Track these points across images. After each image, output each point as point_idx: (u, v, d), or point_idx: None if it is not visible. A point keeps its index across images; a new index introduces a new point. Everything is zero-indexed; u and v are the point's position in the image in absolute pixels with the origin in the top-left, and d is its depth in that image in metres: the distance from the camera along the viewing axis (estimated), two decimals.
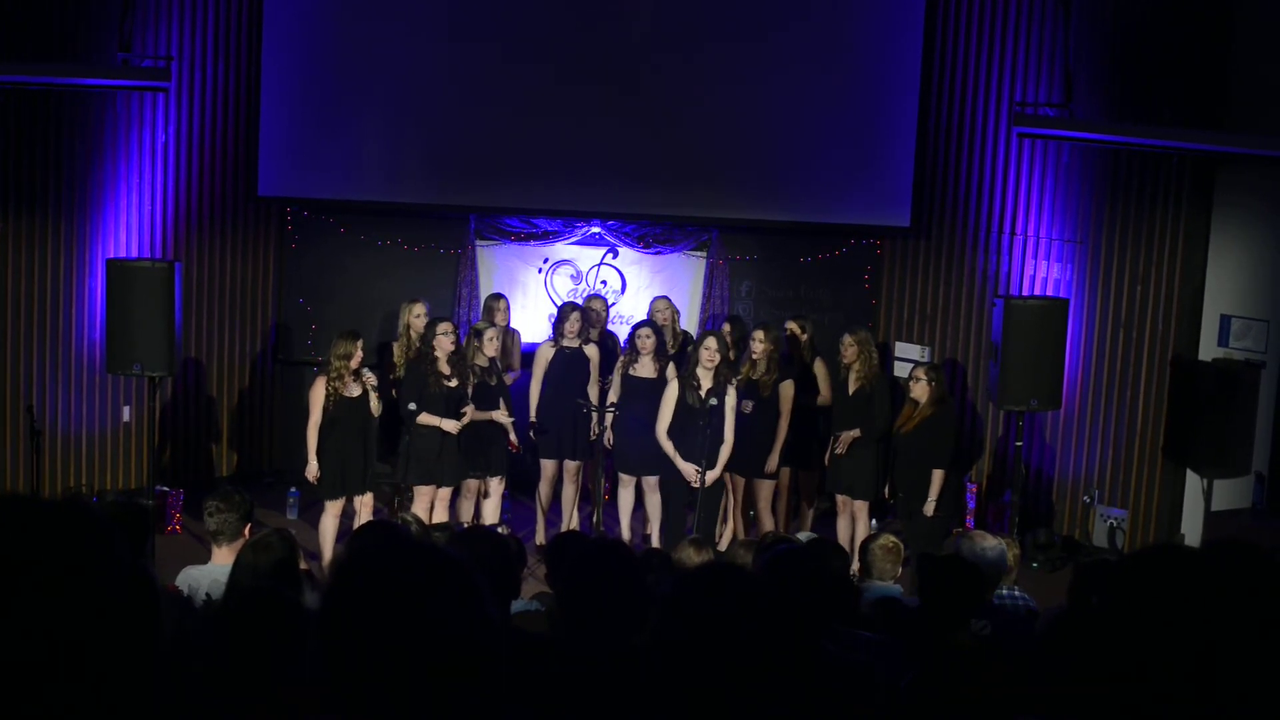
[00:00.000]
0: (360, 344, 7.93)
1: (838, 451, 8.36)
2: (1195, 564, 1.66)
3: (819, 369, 8.84)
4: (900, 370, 10.12)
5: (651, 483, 8.68)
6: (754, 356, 8.40)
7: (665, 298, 9.63)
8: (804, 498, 9.03)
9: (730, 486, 8.58)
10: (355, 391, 7.93)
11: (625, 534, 8.63)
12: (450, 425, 8.03)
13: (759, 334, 8.45)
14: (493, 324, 8.65)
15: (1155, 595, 1.62)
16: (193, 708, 2.50)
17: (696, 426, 7.97)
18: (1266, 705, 1.53)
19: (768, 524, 8.55)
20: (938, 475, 7.84)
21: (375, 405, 8.02)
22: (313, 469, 7.89)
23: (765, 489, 8.55)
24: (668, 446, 8.12)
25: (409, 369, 8.29)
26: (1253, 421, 8.72)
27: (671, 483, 8.18)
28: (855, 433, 8.29)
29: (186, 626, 3.76)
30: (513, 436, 8.54)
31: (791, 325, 8.91)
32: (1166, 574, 1.65)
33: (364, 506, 8.05)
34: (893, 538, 5.69)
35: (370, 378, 7.97)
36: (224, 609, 3.51)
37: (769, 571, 3.94)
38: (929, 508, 7.82)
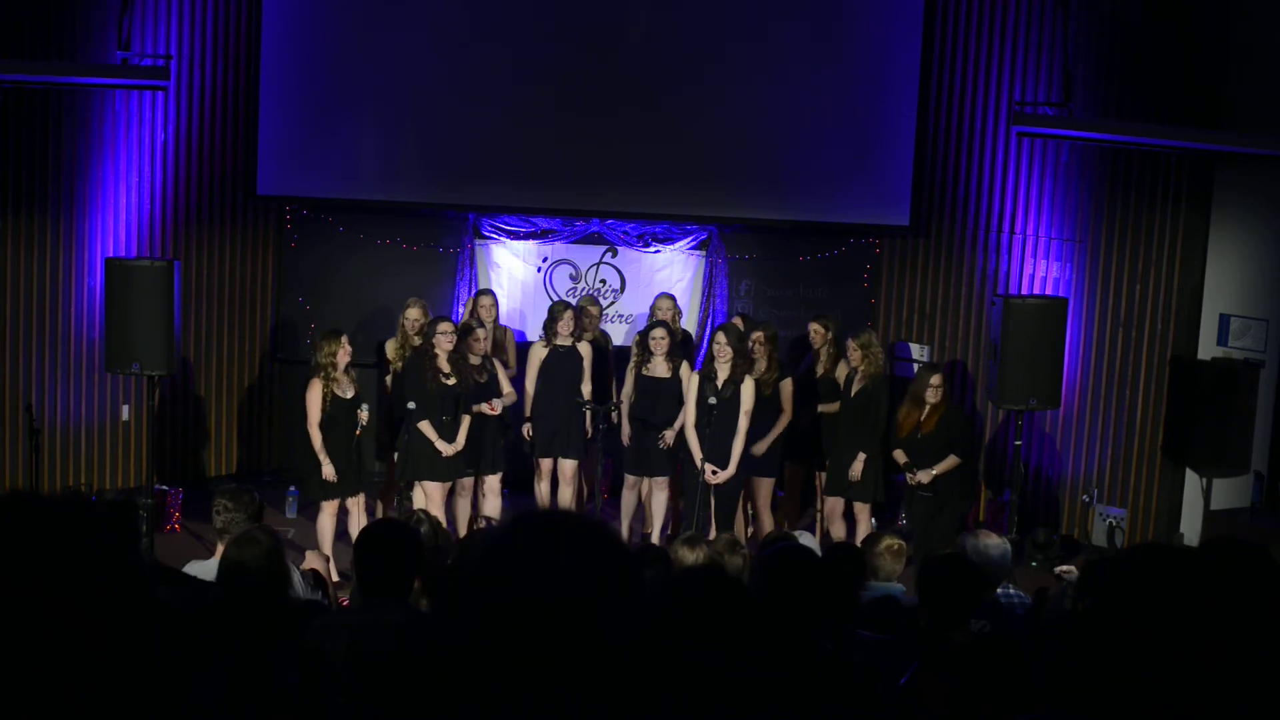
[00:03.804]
0: (344, 339, 7.95)
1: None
2: (1193, 561, 1.66)
3: (842, 371, 8.71)
4: (899, 369, 10.14)
5: (660, 483, 8.66)
6: (753, 356, 8.39)
7: (668, 295, 9.57)
8: (792, 495, 9.10)
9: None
10: (349, 393, 7.96)
11: (624, 534, 8.63)
12: (446, 449, 8.09)
13: (758, 334, 8.46)
14: (481, 322, 8.66)
15: (1154, 593, 1.62)
16: (191, 704, 2.50)
17: (704, 423, 8.03)
18: (1265, 702, 1.53)
19: (767, 523, 8.56)
20: (953, 460, 8.07)
21: (364, 417, 8.03)
22: (329, 469, 7.88)
23: (765, 487, 8.55)
24: (693, 442, 8.13)
25: (408, 367, 8.29)
26: (1251, 421, 8.73)
27: (692, 479, 8.19)
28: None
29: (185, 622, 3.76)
30: (496, 405, 8.46)
31: (815, 325, 8.90)
32: (1164, 571, 1.65)
33: (355, 506, 8.11)
34: (897, 540, 5.67)
35: (363, 414, 7.99)
36: (218, 607, 3.51)
37: (764, 569, 3.95)
38: (925, 475, 8.02)
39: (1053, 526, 9.44)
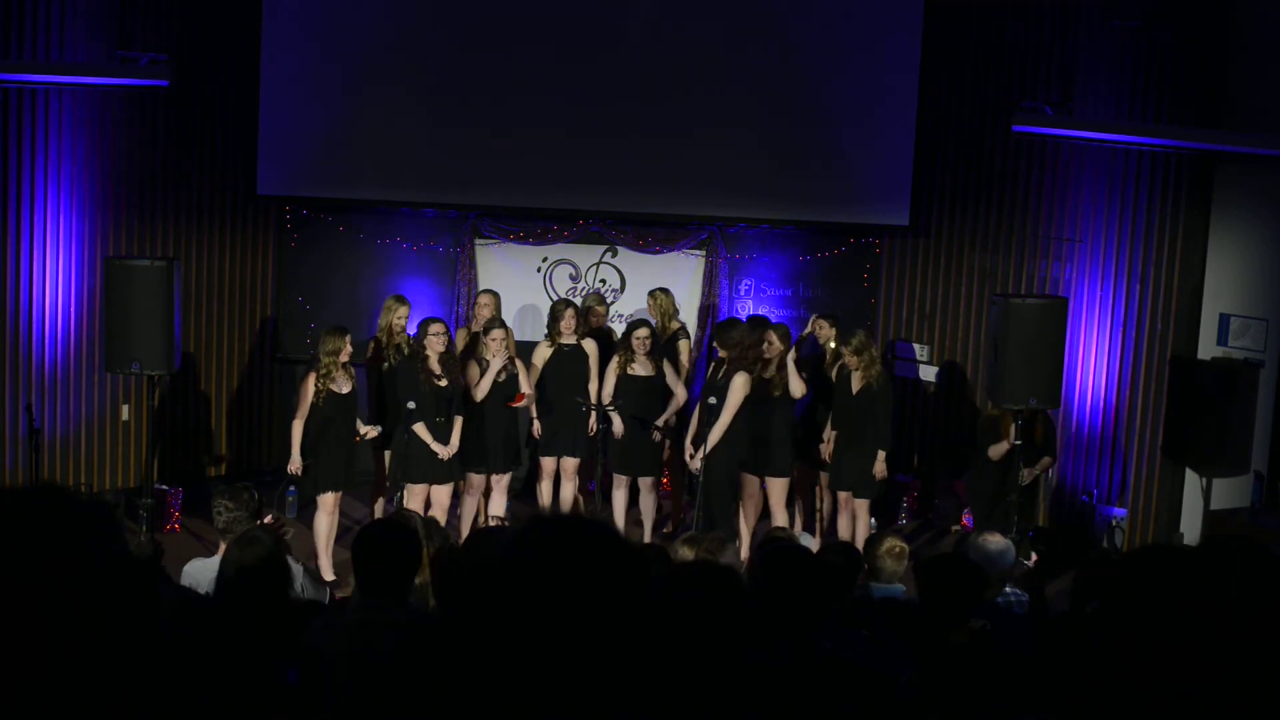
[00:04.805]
0: (348, 339, 8.01)
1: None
2: (1195, 561, 1.66)
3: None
4: (900, 369, 10.15)
5: (647, 483, 8.73)
6: (765, 356, 8.43)
7: (653, 293, 9.55)
8: (801, 494, 9.11)
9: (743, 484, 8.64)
10: (345, 389, 7.99)
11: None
12: (442, 450, 8.13)
13: (771, 335, 8.49)
14: (503, 321, 8.65)
15: (1154, 592, 1.62)
16: (191, 704, 2.50)
17: (704, 421, 8.18)
18: (1269, 702, 1.52)
19: (780, 521, 8.56)
20: (1048, 460, 8.85)
21: (372, 434, 8.31)
22: (296, 462, 7.95)
23: (778, 487, 8.53)
24: (689, 433, 8.37)
25: (401, 368, 8.29)
26: (1251, 420, 8.72)
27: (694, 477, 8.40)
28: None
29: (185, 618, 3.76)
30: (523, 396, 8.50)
31: (822, 322, 9.07)
32: (1165, 571, 1.65)
33: (329, 503, 8.19)
34: (899, 541, 5.66)
35: (373, 432, 8.30)
36: (214, 604, 3.51)
37: (758, 568, 3.94)
38: (1029, 474, 8.62)
39: (1053, 527, 9.43)
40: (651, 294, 9.48)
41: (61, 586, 1.41)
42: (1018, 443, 8.28)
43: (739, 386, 8.15)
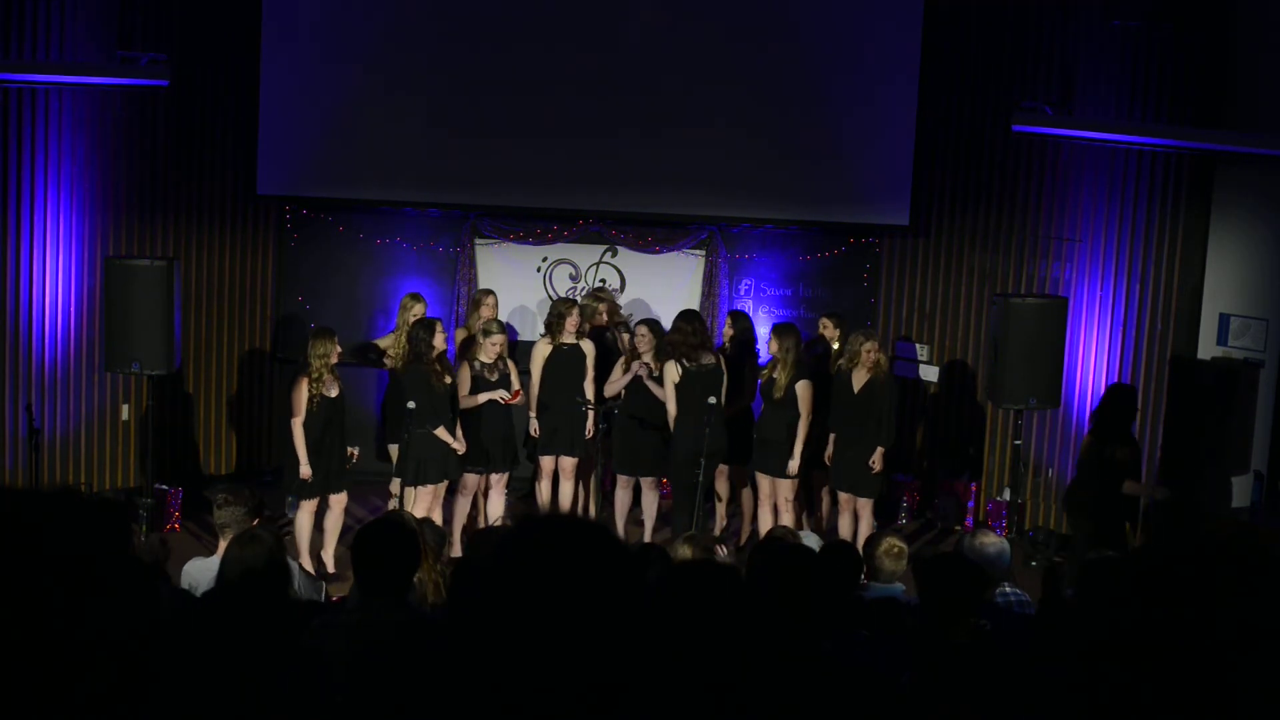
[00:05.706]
0: (336, 340, 8.06)
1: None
2: (1193, 560, 1.66)
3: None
4: (900, 369, 10.15)
5: (649, 482, 8.73)
6: (773, 355, 8.47)
7: (599, 289, 9.65)
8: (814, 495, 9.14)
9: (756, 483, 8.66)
10: (334, 392, 8.01)
11: (619, 534, 8.64)
12: (460, 445, 8.16)
13: (774, 336, 8.51)
14: (506, 324, 8.67)
15: (1153, 592, 1.62)
16: (191, 704, 2.50)
17: (703, 421, 8.17)
18: (1267, 701, 1.52)
19: (787, 521, 8.57)
20: None
21: (356, 456, 8.42)
22: (306, 469, 7.94)
23: (784, 488, 8.53)
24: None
25: (409, 370, 8.29)
26: (1251, 420, 8.73)
27: (683, 476, 8.40)
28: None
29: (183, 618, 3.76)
30: (507, 393, 8.51)
31: (826, 321, 9.20)
32: (1164, 571, 1.65)
33: (337, 504, 8.24)
34: (898, 541, 5.66)
35: (356, 454, 8.43)
36: (214, 603, 3.51)
37: (757, 567, 3.95)
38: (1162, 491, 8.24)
39: (1052, 526, 9.43)
40: (593, 293, 9.56)
41: (71, 589, 1.41)
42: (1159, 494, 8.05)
43: (668, 376, 8.38)
